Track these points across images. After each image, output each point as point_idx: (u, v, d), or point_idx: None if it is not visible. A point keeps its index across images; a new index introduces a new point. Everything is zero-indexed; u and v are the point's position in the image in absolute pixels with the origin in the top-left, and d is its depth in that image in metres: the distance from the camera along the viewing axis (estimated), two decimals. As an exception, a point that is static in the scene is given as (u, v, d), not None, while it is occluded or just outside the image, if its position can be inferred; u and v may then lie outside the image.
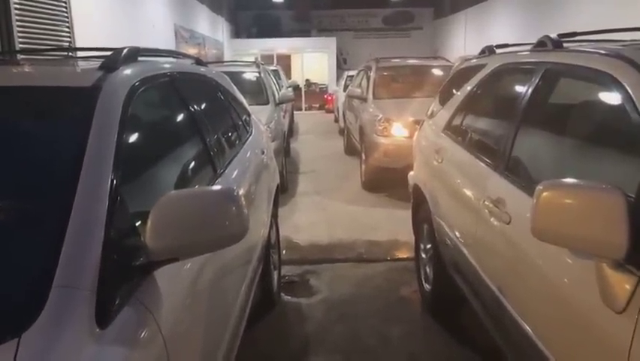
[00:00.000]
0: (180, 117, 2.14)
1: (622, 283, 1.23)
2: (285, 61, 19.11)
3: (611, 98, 1.63)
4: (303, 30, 20.84)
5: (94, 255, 1.08)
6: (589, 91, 1.86)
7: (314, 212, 5.73)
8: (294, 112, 13.10)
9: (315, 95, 19.73)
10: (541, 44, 2.26)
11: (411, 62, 7.98)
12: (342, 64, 20.69)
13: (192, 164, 2.02)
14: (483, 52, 3.10)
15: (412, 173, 3.80)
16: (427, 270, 3.34)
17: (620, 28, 2.22)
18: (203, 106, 2.46)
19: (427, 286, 3.37)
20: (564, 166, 1.84)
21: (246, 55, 15.38)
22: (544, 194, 1.32)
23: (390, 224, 5.15)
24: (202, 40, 13.26)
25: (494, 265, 2.04)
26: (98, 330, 0.99)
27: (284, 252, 4.23)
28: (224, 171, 2.23)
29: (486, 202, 2.09)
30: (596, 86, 1.77)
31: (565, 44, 2.11)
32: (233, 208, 1.30)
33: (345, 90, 11.82)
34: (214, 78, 3.04)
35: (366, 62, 8.65)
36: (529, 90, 2.11)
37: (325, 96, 18.83)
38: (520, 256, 1.80)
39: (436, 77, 7.52)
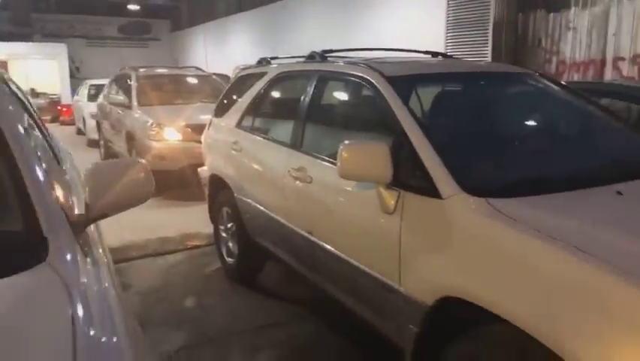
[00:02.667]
0: None
1: (391, 197, 2.09)
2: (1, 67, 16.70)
3: (366, 93, 2.56)
4: (23, 34, 18.54)
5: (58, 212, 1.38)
6: (350, 89, 2.78)
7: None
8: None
9: (45, 106, 17.80)
10: (311, 57, 3.14)
11: (169, 71, 8.39)
12: (74, 72, 19.22)
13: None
14: (260, 62, 3.88)
15: (203, 168, 4.34)
16: (230, 246, 3.93)
17: (359, 48, 3.26)
18: None
19: (230, 261, 3.96)
20: (338, 139, 2.69)
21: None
22: (345, 150, 2.10)
23: (177, 221, 5.51)
24: None
25: (303, 215, 2.80)
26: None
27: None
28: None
29: (290, 172, 2.83)
30: (354, 86, 2.69)
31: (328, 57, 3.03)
32: (143, 174, 1.70)
33: (91, 100, 11.31)
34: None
35: (120, 71, 8.66)
36: (310, 90, 2.95)
37: (59, 107, 17.24)
38: (322, 202, 2.60)
39: (194, 85, 8.14)
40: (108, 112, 8.29)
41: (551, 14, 6.10)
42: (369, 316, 2.34)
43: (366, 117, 2.68)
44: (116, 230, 5.24)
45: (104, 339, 1.08)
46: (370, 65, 2.57)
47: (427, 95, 2.61)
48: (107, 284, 1.38)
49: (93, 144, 10.52)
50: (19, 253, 1.23)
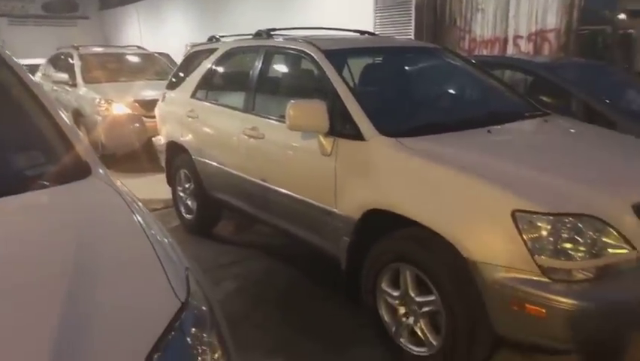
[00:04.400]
0: None
1: (328, 143, 2.73)
2: None
3: (306, 64, 3.17)
4: None
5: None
6: (293, 61, 3.38)
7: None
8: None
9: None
10: (258, 35, 3.71)
11: (112, 50, 8.57)
12: (-4, 53, 18.32)
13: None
14: (210, 39, 4.38)
15: (158, 137, 4.80)
16: (189, 203, 4.45)
17: (299, 27, 3.85)
18: None
19: (188, 217, 4.48)
20: (284, 102, 3.28)
21: None
22: (292, 108, 2.71)
23: (132, 190, 5.90)
24: None
25: (257, 166, 3.39)
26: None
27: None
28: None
29: (245, 131, 3.40)
30: (297, 59, 3.29)
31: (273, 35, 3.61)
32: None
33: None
34: None
35: (58, 50, 8.74)
36: (258, 63, 3.52)
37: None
38: (273, 153, 3.21)
39: (137, 63, 8.38)
40: (49, 91, 8.36)
41: (465, -3, 6.92)
42: (313, 238, 2.99)
43: (307, 83, 3.29)
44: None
45: (159, 238, 1.48)
46: (310, 41, 3.18)
47: (355, 65, 3.26)
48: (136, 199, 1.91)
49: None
50: (73, 170, 1.75)
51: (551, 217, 1.93)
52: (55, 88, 8.01)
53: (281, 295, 3.29)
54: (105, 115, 6.62)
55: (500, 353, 2.49)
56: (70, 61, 7.79)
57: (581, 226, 1.93)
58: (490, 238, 2.02)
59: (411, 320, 2.39)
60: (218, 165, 3.83)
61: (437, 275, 2.19)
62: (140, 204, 1.70)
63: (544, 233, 1.92)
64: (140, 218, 1.51)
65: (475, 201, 2.09)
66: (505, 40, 6.46)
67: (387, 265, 2.45)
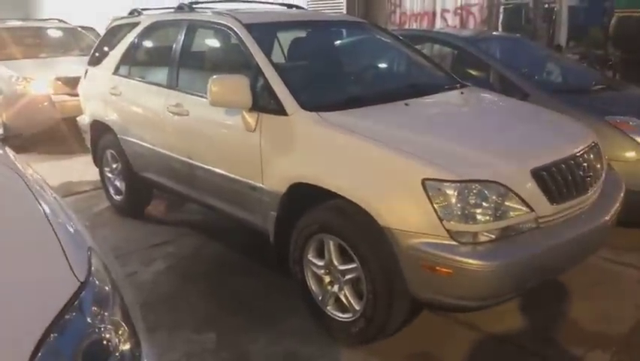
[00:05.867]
0: None
1: (252, 118, 2.73)
2: None
3: (229, 38, 3.13)
4: None
5: None
6: (216, 36, 3.33)
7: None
8: None
9: None
10: (180, 8, 3.60)
11: (29, 24, 8.03)
12: None
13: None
14: (132, 13, 4.21)
15: (83, 117, 4.61)
16: (117, 184, 4.32)
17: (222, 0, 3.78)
18: None
19: (117, 198, 4.36)
20: (208, 78, 3.23)
21: None
22: (213, 83, 2.68)
23: (57, 172, 5.63)
24: None
25: (182, 144, 3.33)
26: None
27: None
28: None
29: (169, 108, 3.33)
30: (219, 33, 3.24)
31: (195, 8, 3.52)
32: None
33: None
34: None
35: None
36: (181, 37, 3.43)
37: None
38: (198, 130, 3.17)
39: (60, 38, 7.93)
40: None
41: (395, -29, 6.99)
42: (242, 214, 3.01)
43: (230, 58, 3.25)
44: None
45: (61, 220, 1.43)
46: (232, 14, 3.13)
47: (278, 38, 3.26)
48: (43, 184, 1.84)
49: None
50: None
51: (459, 184, 2.04)
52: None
53: (211, 272, 3.30)
54: (24, 94, 6.27)
55: (420, 315, 2.66)
56: (-18, 36, 7.23)
57: (485, 191, 2.06)
58: (403, 207, 2.12)
59: (336, 287, 2.48)
60: (144, 144, 3.73)
61: (357, 244, 2.28)
62: (44, 186, 1.65)
63: (452, 200, 2.04)
64: (41, 201, 1.47)
65: (389, 172, 2.18)
66: (434, 14, 6.62)
67: (312, 237, 2.51)
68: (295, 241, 2.59)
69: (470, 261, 1.99)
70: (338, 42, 3.55)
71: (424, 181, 2.06)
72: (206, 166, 3.15)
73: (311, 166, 2.48)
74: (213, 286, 3.11)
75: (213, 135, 3.07)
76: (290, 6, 4.09)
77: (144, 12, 4.13)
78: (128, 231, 4.03)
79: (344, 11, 7.33)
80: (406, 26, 6.84)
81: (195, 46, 3.49)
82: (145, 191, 4.15)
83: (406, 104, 2.69)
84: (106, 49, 4.32)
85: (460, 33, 5.35)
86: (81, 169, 5.52)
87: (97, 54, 4.43)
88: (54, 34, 7.97)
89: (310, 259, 2.56)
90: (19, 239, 1.27)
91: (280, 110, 2.62)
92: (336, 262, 2.44)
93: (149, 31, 3.89)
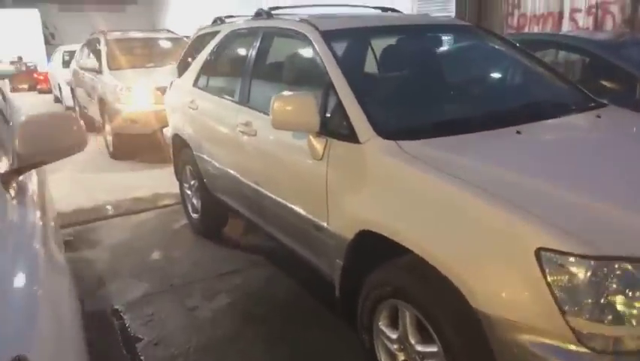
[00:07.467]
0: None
1: (319, 144, 2.25)
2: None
3: (303, 47, 2.68)
4: (-7, 1, 18.08)
5: None
6: (290, 45, 2.90)
7: (67, 185, 5.76)
8: None
9: (21, 74, 17.54)
10: (258, 15, 3.23)
11: (139, 34, 8.33)
12: (49, 39, 18.86)
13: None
14: (215, 21, 3.95)
15: (167, 128, 4.46)
16: (194, 202, 4.10)
17: (310, 5, 3.36)
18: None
19: (195, 216, 4.14)
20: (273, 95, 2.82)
21: None
22: (276, 102, 2.24)
23: (149, 182, 5.64)
24: None
25: (250, 167, 2.96)
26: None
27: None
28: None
29: (238, 127, 2.97)
30: (295, 42, 2.80)
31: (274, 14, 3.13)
32: (75, 127, 1.84)
33: (66, 67, 11.20)
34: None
35: (90, 36, 8.59)
36: (255, 47, 3.06)
37: (36, 75, 17.03)
38: (265, 153, 2.75)
39: (166, 48, 8.12)
40: (81, 78, 8.26)
41: (514, -32, 6.13)
42: (307, 254, 2.54)
43: (304, 71, 2.80)
44: (90, 192, 5.41)
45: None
46: (308, 20, 2.68)
47: (365, 47, 2.74)
48: (36, 230, 1.52)
49: (74, 110, 10.51)
50: None
51: (592, 262, 1.38)
52: (85, 75, 7.89)
53: (275, 316, 2.87)
54: (127, 103, 6.41)
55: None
56: (98, 46, 7.61)
57: (636, 274, 1.37)
58: (506, 285, 1.50)
59: (412, 370, 1.90)
60: (216, 164, 3.43)
61: (440, 323, 1.69)
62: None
63: (582, 284, 1.38)
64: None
65: (488, 234, 1.56)
66: (561, 15, 5.64)
67: (383, 300, 1.97)
68: (364, 302, 2.06)
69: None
70: (435, 51, 2.93)
71: (538, 251, 1.42)
72: (271, 195, 2.73)
73: (380, 211, 1.93)
74: (273, 335, 2.68)
75: (278, 161, 2.65)
76: (385, 9, 3.56)
77: (227, 20, 3.85)
78: (199, 254, 3.76)
79: (453, 14, 6.60)
80: (526, 30, 5.94)
81: (269, 57, 3.10)
82: (220, 212, 3.86)
83: (518, 132, 2.03)
84: (189, 60, 4.12)
85: (594, 36, 4.43)
86: (170, 180, 5.44)
87: (181, 66, 4.25)
88: (163, 44, 8.20)
89: (381, 328, 2.02)
90: None
91: (351, 137, 2.11)
92: (412, 340, 1.87)
93: (226, 42, 3.60)
